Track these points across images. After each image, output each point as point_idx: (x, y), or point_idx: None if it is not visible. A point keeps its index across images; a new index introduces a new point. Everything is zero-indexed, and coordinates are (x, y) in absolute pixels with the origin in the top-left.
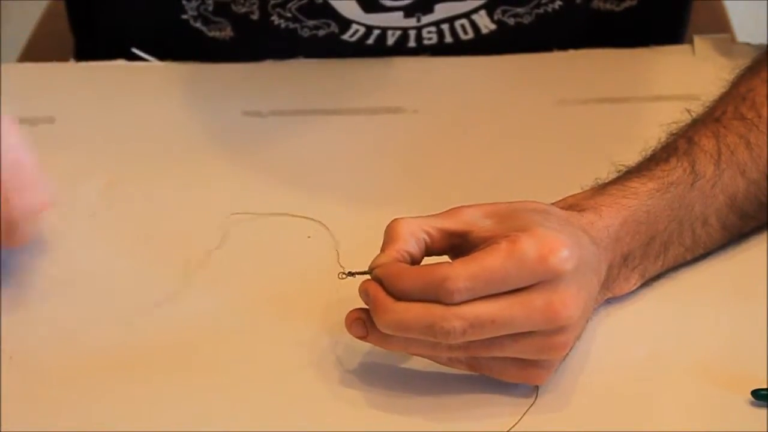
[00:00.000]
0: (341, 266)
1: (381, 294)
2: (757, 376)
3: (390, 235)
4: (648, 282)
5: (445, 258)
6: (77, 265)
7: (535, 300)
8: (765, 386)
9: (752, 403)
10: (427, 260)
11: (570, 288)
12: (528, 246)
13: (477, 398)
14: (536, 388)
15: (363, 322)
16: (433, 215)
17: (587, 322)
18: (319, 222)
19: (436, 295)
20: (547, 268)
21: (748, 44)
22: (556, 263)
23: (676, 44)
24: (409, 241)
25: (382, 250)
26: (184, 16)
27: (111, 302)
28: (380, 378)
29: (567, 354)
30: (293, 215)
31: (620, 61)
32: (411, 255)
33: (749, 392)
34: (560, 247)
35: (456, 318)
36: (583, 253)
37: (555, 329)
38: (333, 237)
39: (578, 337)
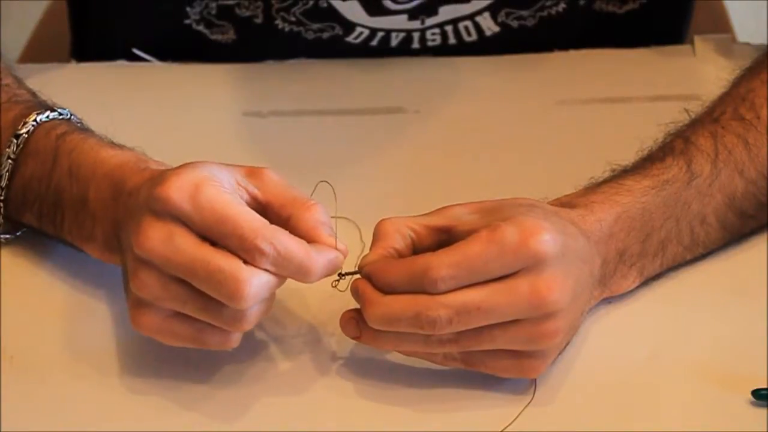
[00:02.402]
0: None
1: (369, 289)
2: (757, 376)
3: (377, 234)
4: (648, 281)
5: None
6: (78, 265)
7: (520, 285)
8: (765, 386)
9: (752, 403)
10: None
11: (555, 273)
12: (508, 232)
13: (472, 393)
14: (533, 384)
15: (356, 322)
16: (420, 214)
17: (582, 315)
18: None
19: (421, 285)
20: (528, 252)
21: (748, 44)
22: (537, 246)
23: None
24: (395, 238)
25: (371, 249)
26: (187, 21)
27: (111, 301)
28: (377, 370)
29: (561, 346)
30: None
31: (620, 61)
32: (398, 251)
33: (749, 392)
34: (541, 231)
35: (441, 306)
36: (568, 240)
37: (543, 315)
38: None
39: (574, 328)
